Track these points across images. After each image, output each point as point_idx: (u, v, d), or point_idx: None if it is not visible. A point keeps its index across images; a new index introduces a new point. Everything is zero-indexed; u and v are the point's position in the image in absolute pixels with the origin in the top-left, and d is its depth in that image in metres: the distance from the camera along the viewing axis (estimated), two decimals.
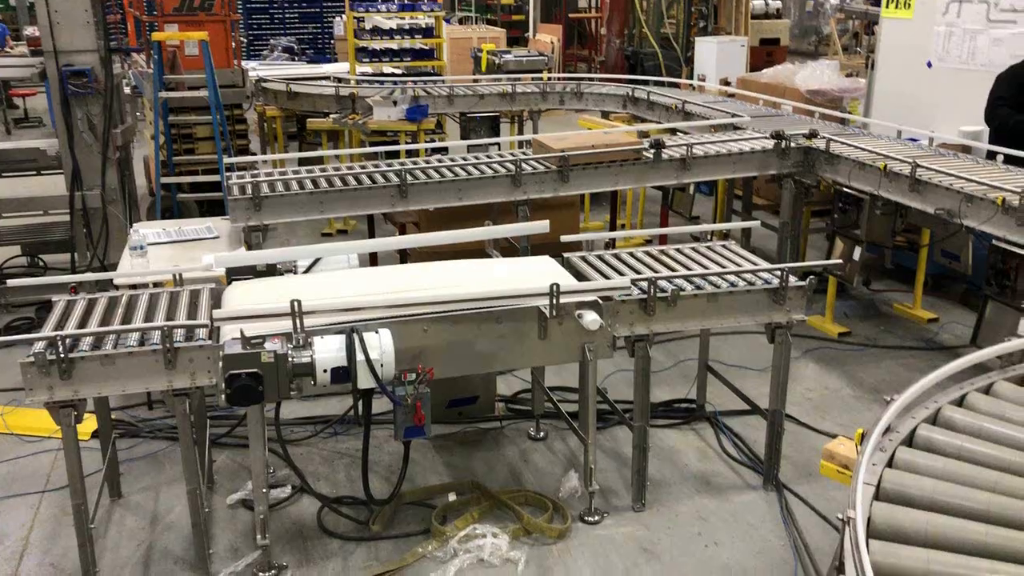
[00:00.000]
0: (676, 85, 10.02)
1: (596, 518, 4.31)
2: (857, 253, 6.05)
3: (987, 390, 2.77)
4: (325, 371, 3.48)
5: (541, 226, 4.74)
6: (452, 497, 4.42)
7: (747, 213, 7.95)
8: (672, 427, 5.25)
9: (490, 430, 5.17)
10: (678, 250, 4.83)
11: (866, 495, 2.16)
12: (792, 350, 5.77)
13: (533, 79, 10.07)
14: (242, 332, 3.46)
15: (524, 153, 6.29)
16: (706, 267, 4.50)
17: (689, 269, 4.45)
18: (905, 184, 5.48)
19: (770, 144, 6.32)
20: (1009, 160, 5.92)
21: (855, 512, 1.96)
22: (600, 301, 3.99)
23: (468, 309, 3.82)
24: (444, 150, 8.71)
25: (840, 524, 1.99)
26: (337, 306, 3.72)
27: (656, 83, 9.83)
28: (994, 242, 4.95)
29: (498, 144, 8.27)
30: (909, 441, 2.48)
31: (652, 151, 6.06)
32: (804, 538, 4.14)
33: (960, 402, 2.70)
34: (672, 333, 6.28)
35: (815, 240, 7.62)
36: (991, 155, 6.17)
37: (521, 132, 9.94)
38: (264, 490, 3.78)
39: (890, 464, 2.35)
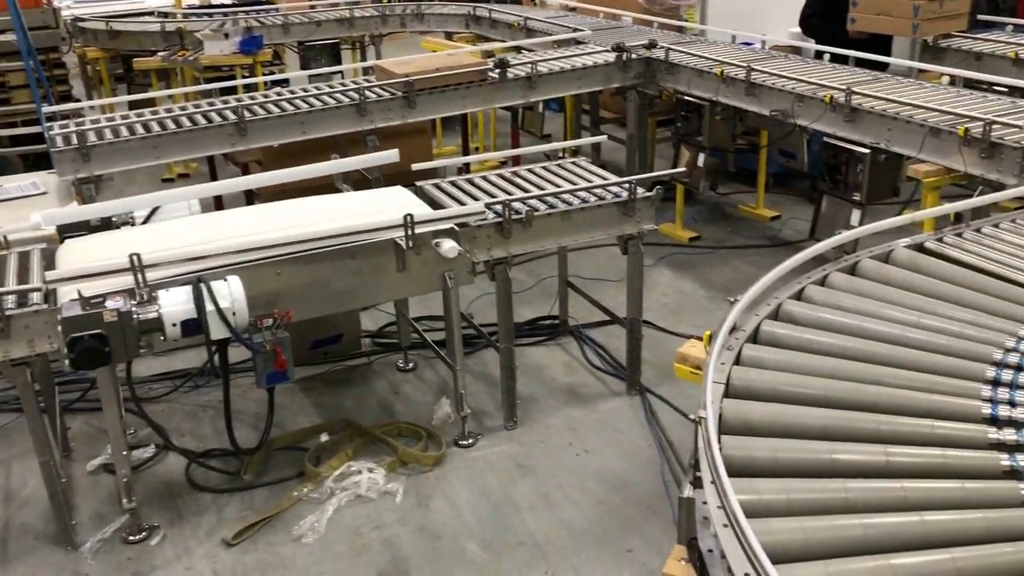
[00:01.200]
0: (518, 1, 9.91)
1: (470, 441, 4.37)
2: (701, 159, 6.24)
3: (823, 282, 2.93)
4: (175, 325, 3.35)
5: (390, 155, 4.65)
6: (324, 438, 4.39)
7: (595, 128, 8.04)
8: (538, 344, 5.35)
9: (358, 367, 5.13)
10: (530, 170, 4.84)
11: (716, 393, 2.26)
12: (647, 258, 5.92)
13: (373, 2, 9.75)
14: (80, 292, 3.26)
15: (367, 80, 6.12)
16: (559, 186, 4.53)
17: (542, 189, 4.48)
18: (741, 88, 5.65)
19: (612, 57, 6.37)
20: (835, 59, 6.19)
21: (706, 411, 2.05)
22: (456, 228, 3.97)
23: (321, 247, 3.73)
24: (285, 82, 8.36)
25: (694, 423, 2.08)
26: (181, 256, 3.56)
27: (498, 0, 9.69)
28: (825, 139, 5.19)
29: (341, 73, 8.00)
30: (754, 338, 2.61)
31: (497, 71, 6.00)
32: (668, 437, 4.34)
33: (799, 296, 2.84)
34: (532, 253, 6.37)
35: (663, 149, 7.80)
36: (819, 54, 6.44)
37: (364, 59, 9.64)
38: (124, 452, 3.64)
39: (737, 361, 2.46)
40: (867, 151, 4.84)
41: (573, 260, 5.77)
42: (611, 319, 5.16)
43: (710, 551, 1.86)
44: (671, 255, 6.51)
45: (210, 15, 9.11)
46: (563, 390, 4.86)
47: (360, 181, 5.32)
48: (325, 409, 4.72)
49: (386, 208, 4.11)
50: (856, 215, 5.01)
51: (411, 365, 5.09)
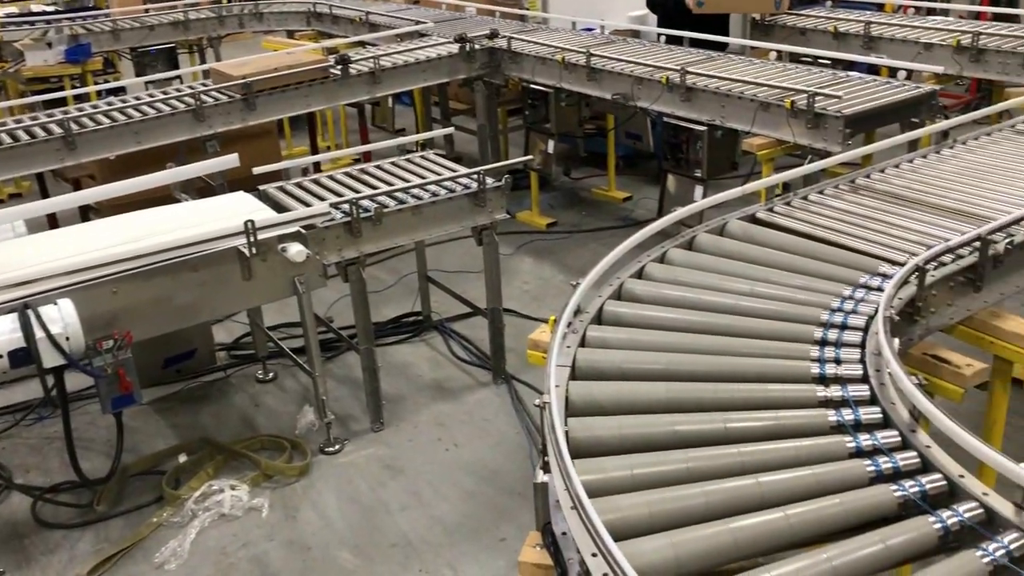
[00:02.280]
0: None
1: (336, 448, 4.29)
2: (551, 146, 6.32)
3: (662, 258, 3.00)
4: (1, 356, 3.13)
5: (229, 160, 4.48)
6: (183, 458, 4.20)
7: (446, 120, 8.01)
8: (403, 342, 5.30)
9: (215, 382, 4.95)
10: (378, 167, 4.77)
11: (562, 376, 2.28)
12: (506, 247, 5.96)
13: (210, 3, 9.39)
14: None
15: (204, 84, 5.89)
16: (408, 180, 4.49)
17: (391, 185, 4.42)
18: (583, 74, 5.74)
19: (455, 48, 6.36)
20: (670, 40, 6.37)
21: (549, 396, 2.07)
22: (302, 231, 3.87)
23: (158, 261, 3.56)
24: (121, 91, 7.96)
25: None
26: (4, 282, 3.33)
27: None
28: (665, 119, 5.33)
29: (179, 78, 7.68)
30: (599, 318, 2.65)
31: (339, 68, 5.89)
32: (534, 423, 4.38)
33: (640, 274, 2.90)
34: (392, 250, 6.30)
35: (516, 138, 7.86)
36: (659, 37, 6.62)
37: (203, 62, 9.28)
38: None
39: (583, 343, 2.50)
40: (704, 128, 5.00)
41: (434, 254, 5.75)
42: (473, 310, 5.16)
43: (564, 534, 1.88)
44: (530, 242, 6.57)
45: (31, 23, 8.55)
46: (430, 386, 4.83)
47: (204, 189, 5.12)
48: (182, 429, 4.53)
49: (228, 215, 3.97)
50: (699, 191, 5.19)
51: (271, 375, 4.95)
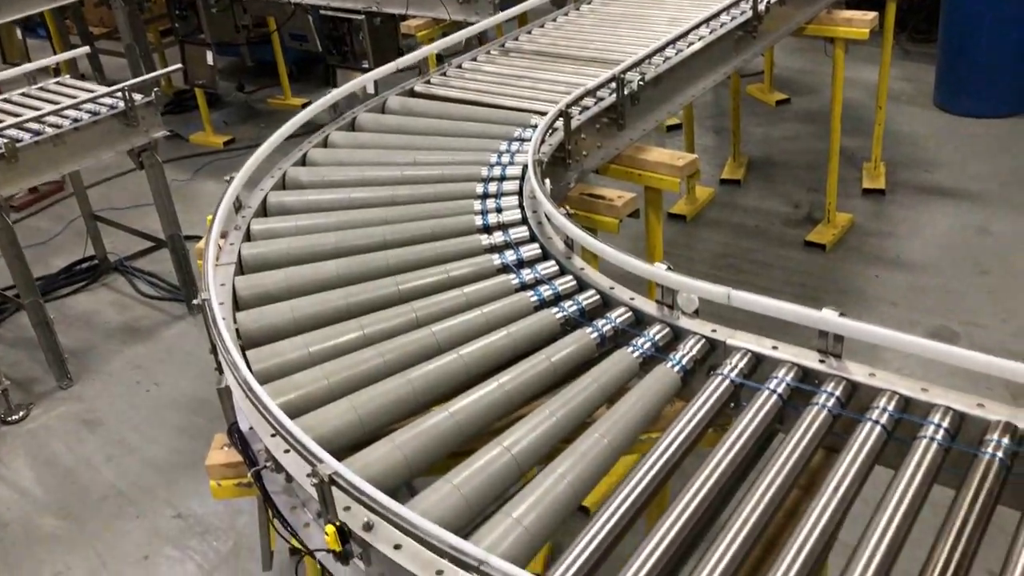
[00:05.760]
0: None
1: (20, 415, 3.88)
2: (210, 57, 5.90)
3: (324, 143, 2.93)
4: None
5: None
6: None
7: (90, 44, 7.24)
8: (80, 291, 4.85)
9: None
10: (6, 100, 4.22)
11: (226, 274, 2.17)
12: (184, 172, 5.61)
13: None
14: None
15: None
16: (39, 109, 4.00)
17: (19, 116, 3.92)
18: None
19: None
20: None
21: (207, 293, 1.96)
22: None
23: None
24: None
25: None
26: None
27: None
28: (322, 12, 5.15)
29: None
30: (264, 210, 2.54)
31: None
32: None
33: (303, 161, 2.81)
34: (55, 197, 5.70)
35: (174, 55, 7.27)
36: None
37: None
38: None
39: (248, 237, 2.39)
40: (361, 17, 4.89)
41: (103, 192, 5.29)
42: (154, 243, 4.81)
43: (251, 428, 1.81)
44: (210, 163, 6.19)
45: None
46: (120, 330, 4.48)
47: None
48: None
49: None
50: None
51: None
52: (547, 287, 2.04)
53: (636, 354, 1.82)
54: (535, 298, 2.02)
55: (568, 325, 1.95)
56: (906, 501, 1.40)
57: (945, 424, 1.52)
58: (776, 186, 5.23)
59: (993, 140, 5.43)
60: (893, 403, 1.58)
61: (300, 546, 1.62)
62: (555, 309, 1.97)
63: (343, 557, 1.46)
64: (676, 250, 4.65)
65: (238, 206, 2.49)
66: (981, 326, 3.87)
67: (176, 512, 3.36)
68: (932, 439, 1.50)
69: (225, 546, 3.20)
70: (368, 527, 1.41)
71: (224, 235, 2.36)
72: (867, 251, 4.51)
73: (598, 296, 2.00)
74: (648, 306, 1.93)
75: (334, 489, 1.42)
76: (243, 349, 1.92)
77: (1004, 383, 2.87)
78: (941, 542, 1.33)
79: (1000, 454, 1.46)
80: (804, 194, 5.07)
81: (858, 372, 1.65)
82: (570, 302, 1.99)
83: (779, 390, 1.66)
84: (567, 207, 2.30)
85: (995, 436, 1.48)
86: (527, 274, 2.10)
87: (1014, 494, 1.45)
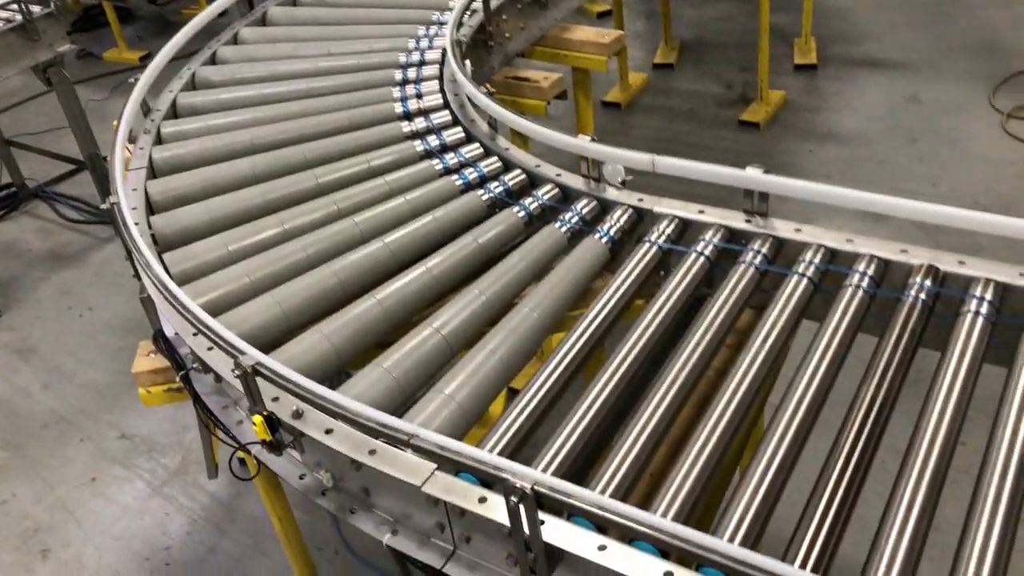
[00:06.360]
0: None
1: None
2: None
3: (235, 39, 2.79)
4: None
5: None
6: None
7: None
8: (1, 220, 4.66)
9: None
10: None
11: (138, 178, 2.08)
12: (99, 91, 5.37)
13: None
14: None
15: None
16: None
17: None
18: None
19: None
20: None
21: (117, 197, 1.87)
22: None
23: None
24: None
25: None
26: None
27: None
28: None
29: None
30: (174, 112, 2.43)
31: None
32: None
33: (213, 60, 2.68)
34: None
35: None
36: None
37: None
38: None
39: (159, 141, 2.28)
40: None
41: (15, 117, 5.06)
42: (75, 165, 4.63)
43: (177, 334, 1.75)
44: (126, 81, 5.86)
45: None
46: (46, 258, 4.33)
47: None
48: None
49: None
50: None
51: None
52: (472, 169, 1.99)
53: (564, 229, 1.79)
54: (460, 181, 1.97)
55: (495, 206, 1.91)
56: (832, 347, 1.42)
57: (870, 272, 1.53)
58: (709, 67, 5.17)
59: (919, 9, 5.40)
60: (819, 256, 1.58)
61: (234, 443, 1.60)
62: (481, 191, 1.93)
63: (276, 447, 1.44)
64: (611, 137, 4.55)
65: (146, 110, 2.38)
66: (912, 192, 3.89)
67: (121, 433, 3.31)
68: (858, 287, 1.51)
69: (173, 462, 3.17)
70: (297, 415, 1.39)
71: (134, 140, 2.25)
72: (800, 127, 4.51)
73: (524, 175, 1.96)
74: (575, 181, 1.90)
75: (261, 381, 1.39)
76: (160, 253, 1.85)
77: (927, 234, 2.94)
78: (866, 384, 1.35)
79: (923, 296, 1.47)
80: (737, 74, 5.03)
81: (784, 229, 1.65)
82: (496, 183, 1.95)
83: (706, 252, 1.65)
84: (488, 86, 2.23)
85: (918, 279, 1.49)
86: (451, 158, 2.04)
87: (936, 335, 1.47)
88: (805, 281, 1.54)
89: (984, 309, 1.42)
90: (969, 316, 1.42)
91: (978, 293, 1.43)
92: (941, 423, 1.26)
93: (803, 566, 1.11)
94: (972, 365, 1.35)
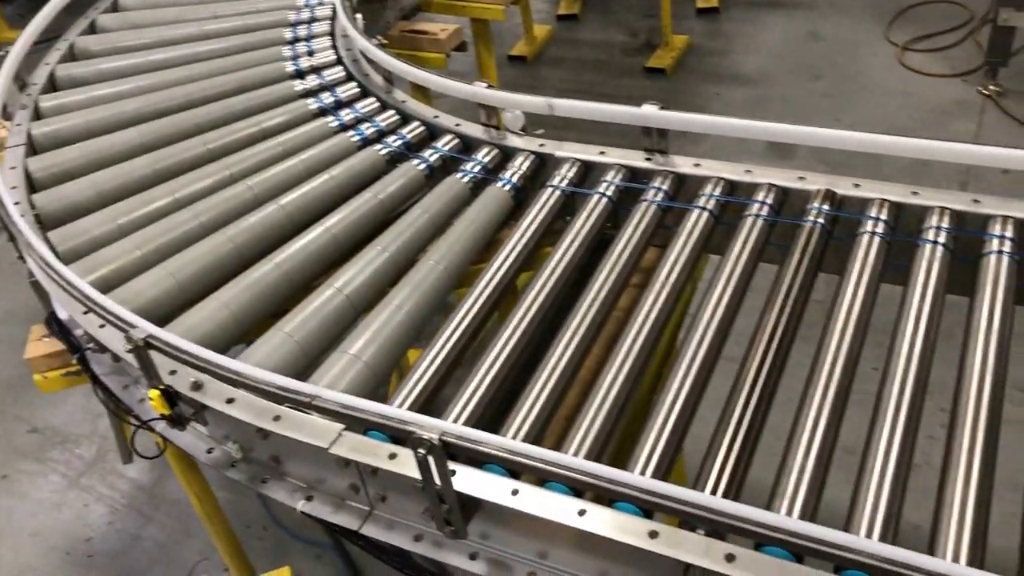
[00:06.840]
0: None
1: None
2: None
3: (114, 6, 2.66)
4: None
5: None
6: None
7: None
8: None
9: None
10: None
11: (17, 156, 1.97)
12: None
13: None
14: None
15: None
16: None
17: None
18: None
19: None
20: None
21: None
22: None
23: None
24: None
25: None
26: None
27: None
28: None
29: None
30: (52, 86, 2.30)
31: None
32: None
33: (92, 29, 2.55)
34: None
35: None
36: None
37: None
38: None
39: (39, 116, 2.16)
40: None
41: None
42: None
43: (70, 316, 1.67)
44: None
45: None
46: None
47: None
48: None
49: None
50: None
51: None
52: (369, 124, 1.94)
53: (466, 179, 1.75)
54: (357, 137, 1.91)
55: (395, 161, 1.86)
56: (735, 276, 1.42)
57: (769, 200, 1.53)
58: (613, 16, 5.16)
59: None
60: (719, 188, 1.58)
61: (137, 422, 1.54)
62: (379, 146, 1.88)
63: (177, 421, 1.39)
64: (520, 91, 4.55)
65: (22, 84, 2.25)
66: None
67: (31, 427, 3.19)
68: (758, 216, 1.52)
69: (89, 452, 3.07)
70: (197, 386, 1.34)
71: (9, 116, 2.13)
72: (706, 70, 4.53)
73: (423, 127, 1.91)
74: (475, 130, 1.86)
75: (156, 354, 1.34)
76: (45, 232, 1.76)
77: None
78: (768, 310, 1.36)
79: (821, 220, 1.48)
80: (641, 21, 5.02)
81: (684, 164, 1.65)
82: (394, 137, 1.90)
83: (608, 193, 1.64)
84: (379, 37, 2.17)
85: (816, 204, 1.50)
86: (346, 114, 1.98)
87: (835, 259, 1.49)
88: (706, 215, 1.54)
89: (880, 229, 1.44)
90: (866, 236, 1.44)
91: (873, 213, 1.45)
92: (842, 344, 1.28)
93: (713, 492, 1.12)
94: (871, 285, 1.37)
